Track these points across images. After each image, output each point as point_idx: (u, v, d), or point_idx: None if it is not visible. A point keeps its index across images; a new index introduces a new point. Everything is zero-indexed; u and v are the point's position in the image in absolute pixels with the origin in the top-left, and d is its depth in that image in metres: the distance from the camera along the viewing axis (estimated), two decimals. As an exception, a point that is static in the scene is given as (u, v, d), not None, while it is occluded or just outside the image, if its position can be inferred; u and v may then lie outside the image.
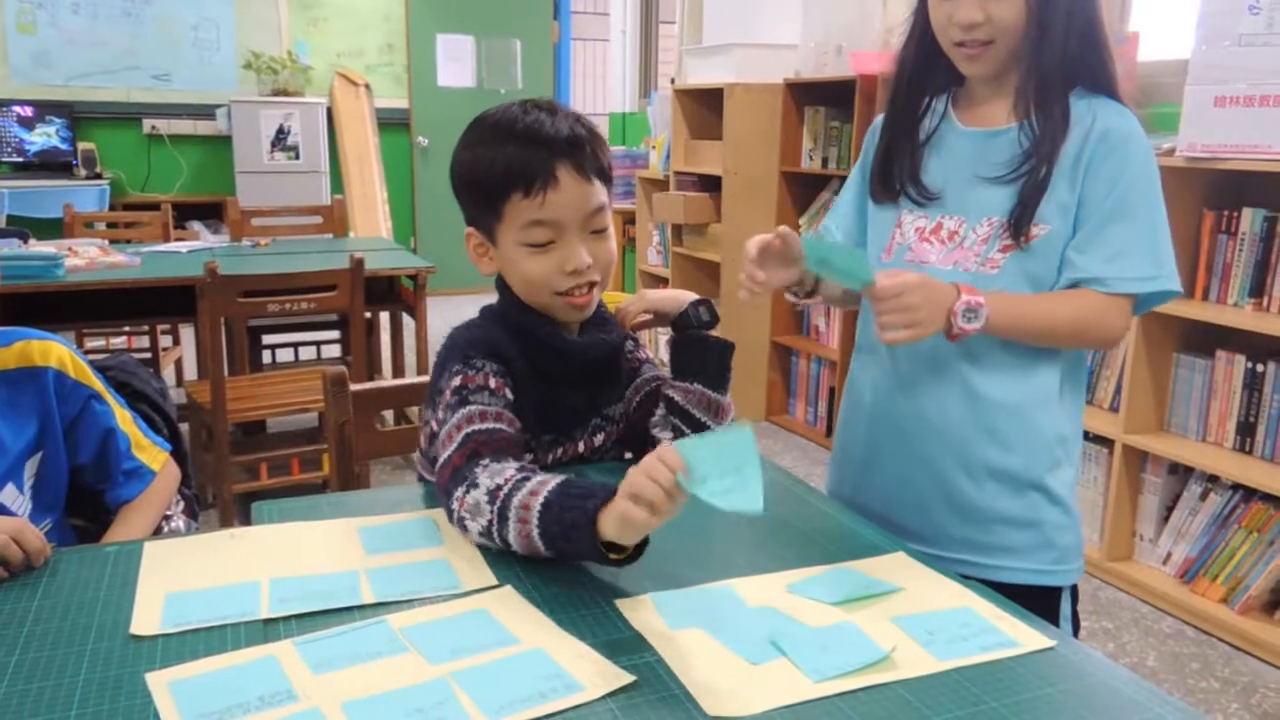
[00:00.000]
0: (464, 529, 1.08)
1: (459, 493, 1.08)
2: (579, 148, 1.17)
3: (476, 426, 1.14)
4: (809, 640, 0.91)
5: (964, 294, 1.18)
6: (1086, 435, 2.89)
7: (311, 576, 1.01)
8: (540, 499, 1.01)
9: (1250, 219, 2.55)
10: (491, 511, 1.04)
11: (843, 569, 1.06)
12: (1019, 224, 1.24)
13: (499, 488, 1.05)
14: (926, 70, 1.32)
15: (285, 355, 4.19)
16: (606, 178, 1.21)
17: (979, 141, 1.28)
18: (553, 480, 1.03)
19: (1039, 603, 1.27)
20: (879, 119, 1.40)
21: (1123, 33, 3.01)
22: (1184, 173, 2.57)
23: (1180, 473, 2.73)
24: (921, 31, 1.30)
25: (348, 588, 0.99)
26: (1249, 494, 2.53)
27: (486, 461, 1.10)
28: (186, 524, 1.56)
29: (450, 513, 1.10)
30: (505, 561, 1.06)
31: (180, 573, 1.02)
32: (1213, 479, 2.63)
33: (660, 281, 4.82)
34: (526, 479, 1.05)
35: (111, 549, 1.08)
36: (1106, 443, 2.83)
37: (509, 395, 1.19)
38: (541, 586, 1.01)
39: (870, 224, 1.40)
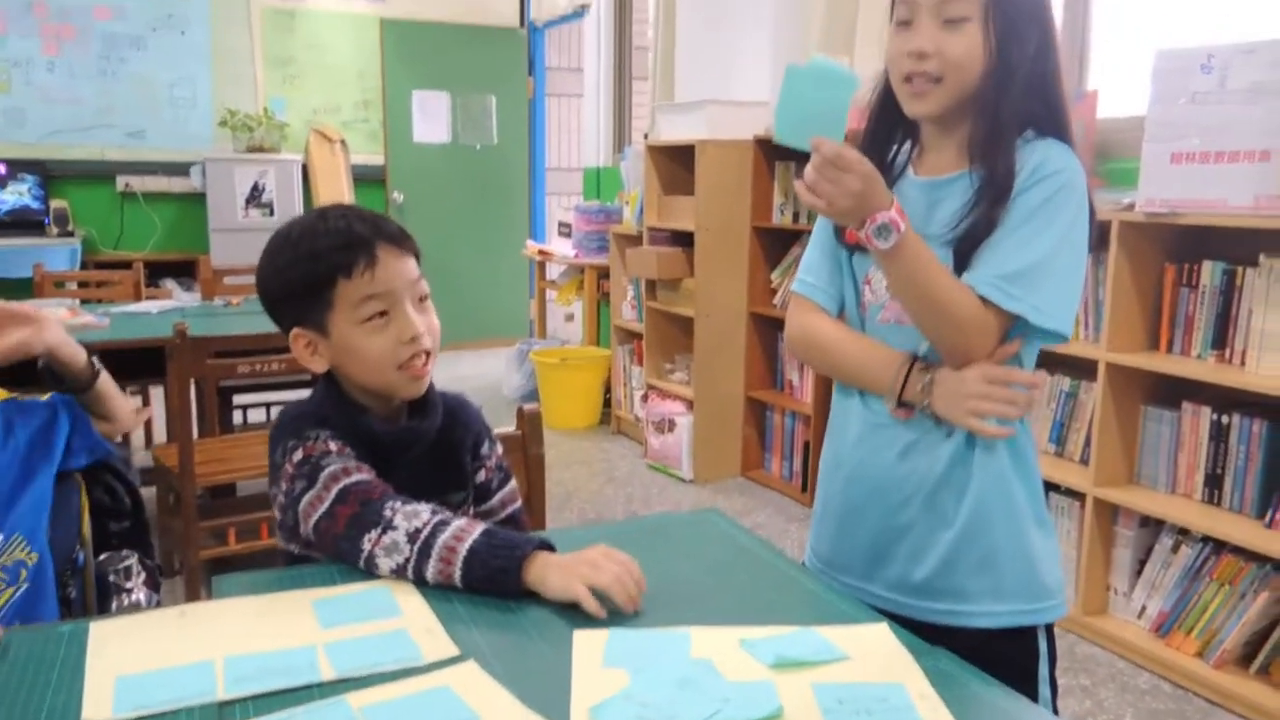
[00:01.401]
0: (373, 567, 1.16)
1: (372, 534, 1.15)
2: (387, 229, 1.29)
3: (346, 481, 1.21)
4: (712, 692, 0.92)
5: (895, 212, 1.14)
6: (1058, 489, 2.91)
7: (267, 653, 0.99)
8: (466, 545, 1.12)
9: (1210, 272, 2.59)
10: (411, 550, 1.14)
11: (804, 631, 1.06)
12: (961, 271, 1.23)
13: (418, 531, 1.14)
14: (892, 123, 1.32)
15: (257, 415, 4.16)
16: (417, 255, 1.33)
17: (929, 192, 1.28)
18: (475, 528, 1.14)
19: (1017, 651, 1.29)
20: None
21: (1081, 90, 3.07)
22: (1144, 227, 2.61)
23: (1151, 525, 2.75)
24: (887, 85, 1.30)
25: (306, 664, 0.97)
26: (1219, 546, 2.55)
27: (395, 504, 1.17)
28: (148, 596, 1.53)
29: (358, 554, 1.16)
30: (466, 629, 1.05)
31: (130, 654, 1.00)
32: (1183, 531, 2.64)
33: (635, 337, 4.84)
34: (445, 523, 1.15)
35: (65, 628, 1.06)
36: (1078, 496, 2.84)
37: (351, 454, 1.25)
38: (505, 658, 0.99)
39: (846, 272, 1.38)
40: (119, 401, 1.57)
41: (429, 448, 1.36)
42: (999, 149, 1.21)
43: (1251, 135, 2.38)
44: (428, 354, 1.30)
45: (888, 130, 1.33)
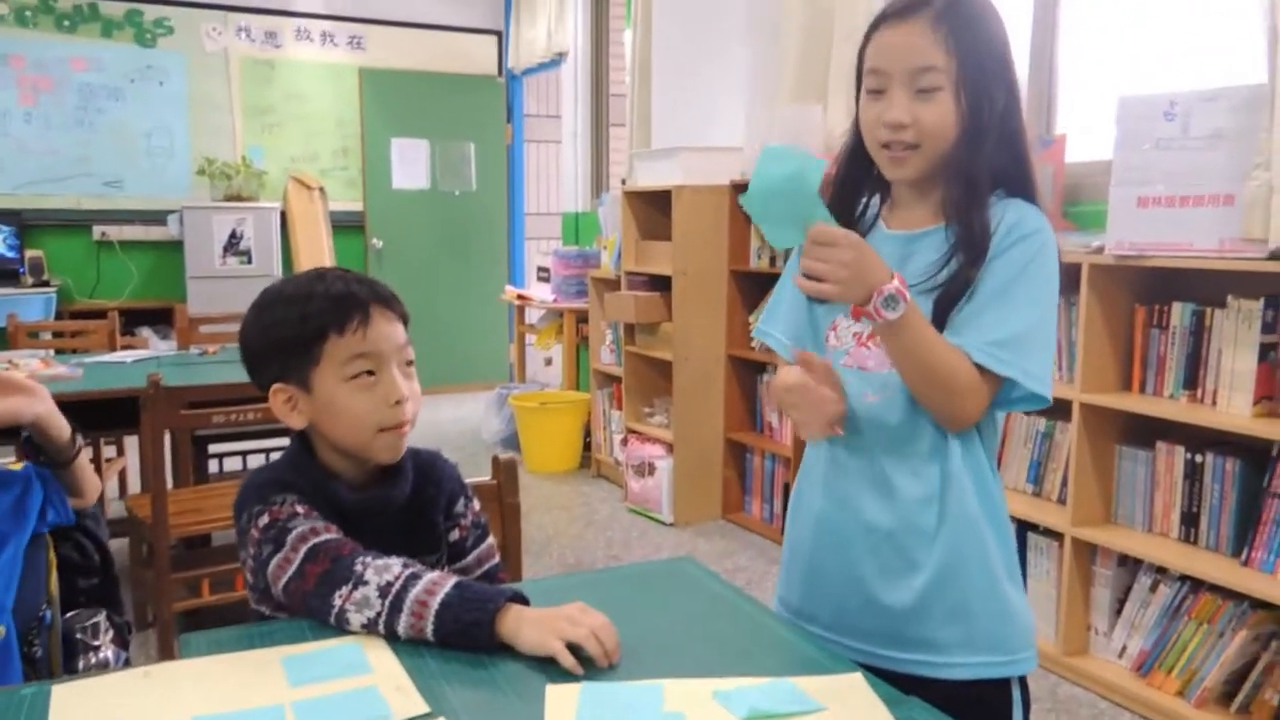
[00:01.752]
0: (344, 623, 1.15)
1: (343, 590, 1.15)
2: (382, 293, 1.31)
3: (315, 540, 1.20)
4: None
5: (897, 280, 1.14)
6: (1036, 529, 2.92)
7: (234, 713, 0.98)
8: (437, 599, 1.12)
9: (1180, 313, 2.62)
10: (382, 605, 1.13)
11: (779, 682, 1.05)
12: (939, 327, 1.23)
13: (389, 585, 1.14)
14: (861, 175, 1.34)
15: (234, 464, 4.12)
16: (406, 321, 1.35)
17: (903, 245, 1.29)
18: (447, 581, 1.14)
19: (990, 701, 1.28)
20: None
21: (1050, 135, 3.13)
22: (1114, 270, 2.65)
23: (1130, 564, 2.75)
24: (858, 137, 1.31)
25: (272, 725, 0.96)
26: (1197, 585, 2.55)
27: (366, 559, 1.17)
28: (116, 654, 1.50)
29: (328, 610, 1.15)
30: (437, 685, 1.04)
31: (93, 718, 0.98)
32: (1161, 570, 2.65)
33: (614, 381, 4.84)
34: (417, 576, 1.15)
35: (27, 691, 1.04)
36: (1056, 536, 2.85)
37: (318, 516, 1.25)
38: (477, 715, 0.99)
39: (811, 319, 1.38)
40: (92, 480, 1.56)
41: (398, 512, 1.35)
42: (974, 208, 1.23)
43: (1214, 180, 2.43)
44: (408, 418, 1.31)
45: (856, 184, 1.35)
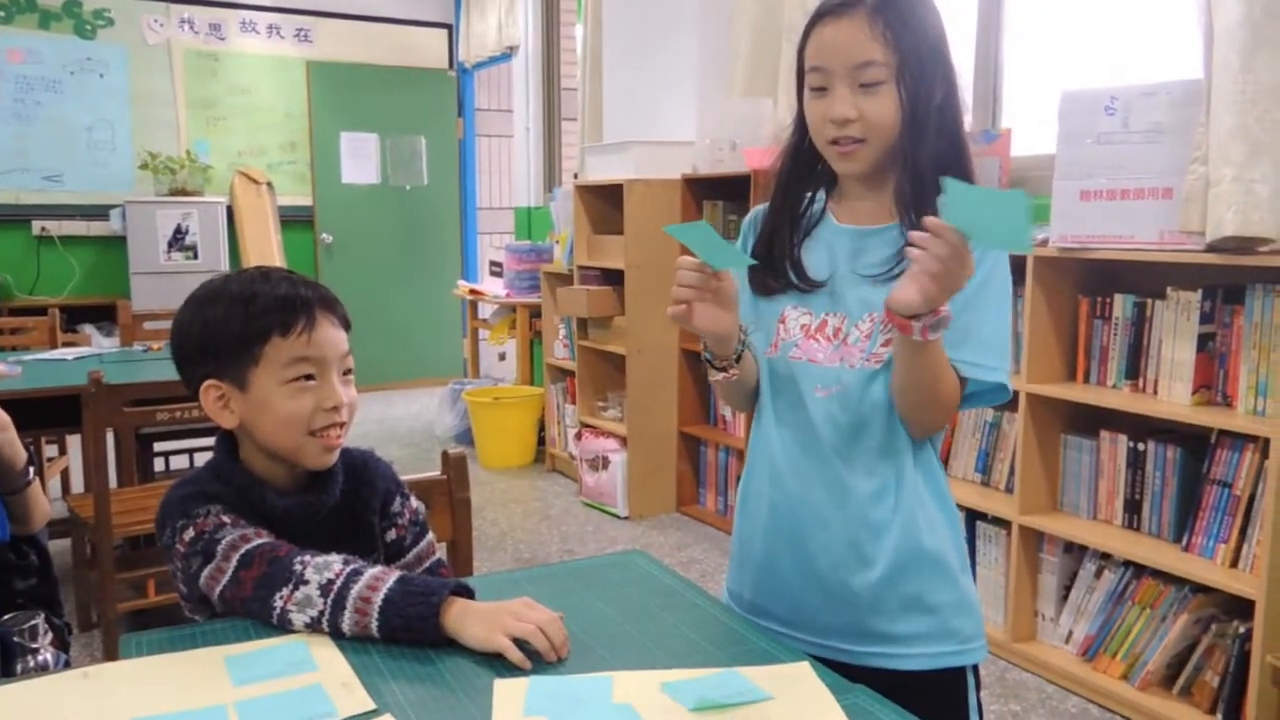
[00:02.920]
0: (287, 624, 1.14)
1: (284, 591, 1.14)
2: (327, 301, 1.29)
3: (247, 547, 1.19)
4: None
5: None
6: (985, 517, 2.96)
7: (175, 714, 0.96)
8: (381, 595, 1.12)
9: (1122, 305, 2.67)
10: (325, 603, 1.13)
11: (726, 673, 1.06)
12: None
13: (330, 582, 1.14)
14: (806, 169, 1.34)
15: (180, 462, 4.05)
16: (349, 328, 1.33)
17: (855, 239, 1.30)
18: (390, 576, 1.14)
19: (947, 687, 1.30)
20: (754, 212, 1.41)
21: (995, 130, 3.17)
22: (1057, 262, 2.69)
23: (1075, 551, 2.80)
24: (801, 133, 1.32)
25: (215, 725, 0.94)
26: (1140, 570, 2.61)
27: (304, 558, 1.16)
28: (55, 656, 1.47)
29: (270, 613, 1.14)
30: (384, 681, 1.03)
31: (30, 720, 0.96)
32: (1105, 556, 2.70)
33: (568, 375, 4.83)
34: (359, 573, 1.14)
35: (-41, 694, 1.01)
36: (1004, 524, 2.89)
37: (245, 524, 1.23)
38: (423, 711, 0.98)
39: (756, 315, 1.37)
40: (41, 508, 1.52)
41: (330, 516, 1.32)
42: (925, 201, 1.21)
43: (1154, 173, 2.47)
44: (342, 425, 1.29)
45: (802, 180, 1.35)
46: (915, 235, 1.08)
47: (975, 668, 1.34)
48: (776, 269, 1.33)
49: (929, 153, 1.24)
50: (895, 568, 1.28)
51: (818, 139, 1.28)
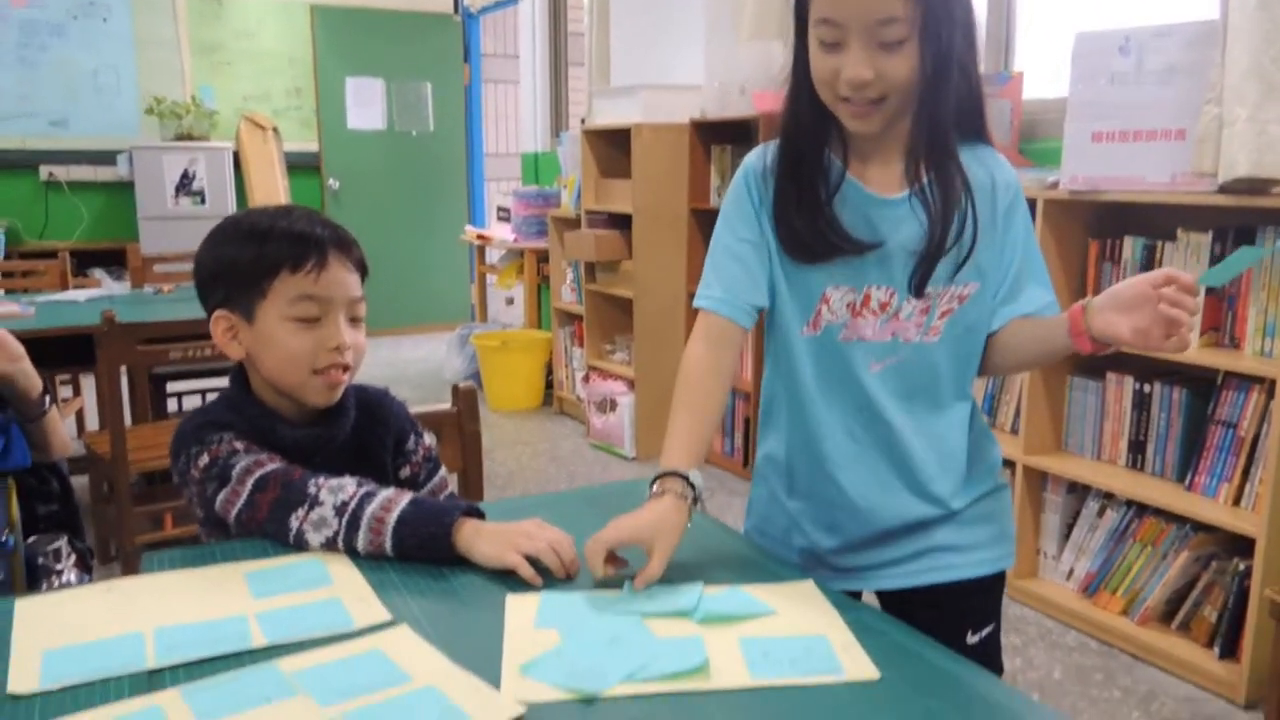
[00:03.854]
0: (303, 543, 1.18)
1: (300, 512, 1.17)
2: (344, 243, 1.30)
3: (261, 471, 1.21)
4: (641, 649, 0.95)
5: None
6: (989, 458, 2.98)
7: (198, 624, 0.99)
8: (394, 514, 1.15)
9: (1131, 247, 2.67)
10: (339, 523, 1.16)
11: (730, 590, 1.09)
12: (923, 284, 1.21)
13: (345, 504, 1.17)
14: (819, 120, 1.21)
15: (193, 401, 4.09)
16: (365, 273, 1.33)
17: (892, 208, 1.21)
18: (403, 497, 1.17)
19: (991, 592, 1.35)
20: (752, 165, 1.27)
21: (1008, 72, 3.14)
22: (1068, 205, 2.68)
23: (1079, 491, 2.83)
24: (802, 83, 1.20)
25: (237, 633, 0.97)
26: (1142, 509, 2.63)
27: (318, 480, 1.19)
28: (79, 577, 1.51)
29: (286, 533, 1.18)
30: (400, 596, 1.06)
31: (57, 628, 0.99)
32: (1108, 496, 2.72)
33: (575, 319, 4.84)
34: (372, 494, 1.17)
35: (-11, 605, 1.05)
36: (1009, 464, 2.92)
37: (258, 450, 1.25)
38: (438, 622, 1.01)
39: (787, 288, 1.26)
40: (60, 437, 1.54)
41: (342, 450, 1.34)
42: (947, 161, 1.19)
43: (1167, 115, 2.45)
44: (346, 367, 1.29)
45: (816, 131, 1.22)
46: (1173, 295, 1.06)
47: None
48: (811, 232, 1.21)
49: (948, 106, 1.17)
50: (972, 508, 1.31)
51: (825, 94, 1.17)
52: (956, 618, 1.28)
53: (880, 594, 1.32)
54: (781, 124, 1.25)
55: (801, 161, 1.22)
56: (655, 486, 1.17)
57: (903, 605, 1.25)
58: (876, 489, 1.28)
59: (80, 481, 3.00)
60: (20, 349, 1.42)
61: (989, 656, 1.34)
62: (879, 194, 1.21)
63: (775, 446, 1.36)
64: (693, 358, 1.26)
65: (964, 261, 1.21)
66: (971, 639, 1.31)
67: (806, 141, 1.22)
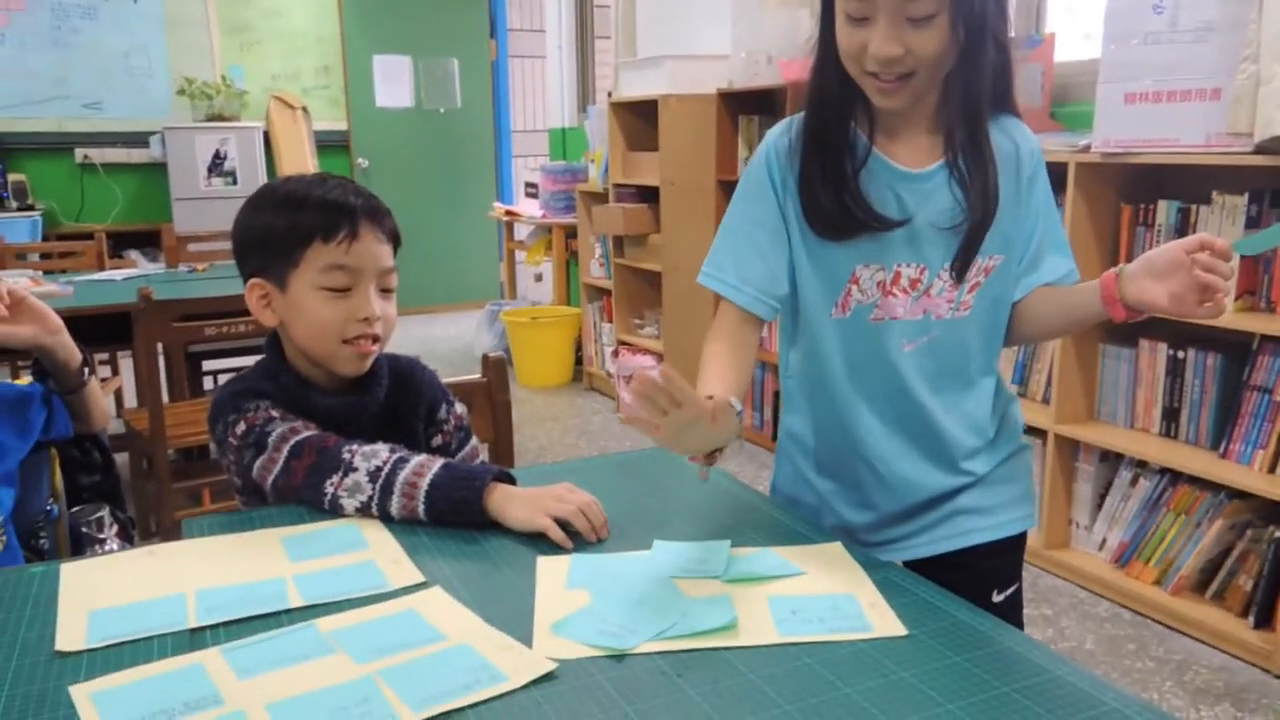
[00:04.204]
0: (338, 509, 1.20)
1: (334, 478, 1.19)
2: (377, 213, 1.30)
3: (296, 439, 1.24)
4: (671, 607, 0.96)
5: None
6: (1020, 427, 2.96)
7: (237, 585, 1.01)
8: (427, 480, 1.17)
9: (1165, 211, 2.63)
10: (373, 489, 1.18)
11: (760, 551, 1.10)
12: (965, 265, 1.21)
13: (379, 469, 1.19)
14: (846, 91, 1.18)
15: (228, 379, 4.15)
16: (398, 244, 1.34)
17: (919, 183, 1.20)
18: (435, 462, 1.19)
19: (1016, 552, 1.37)
20: (775, 140, 1.25)
21: (1039, 35, 3.10)
22: (1100, 168, 2.65)
23: (1111, 460, 2.81)
24: (827, 54, 1.18)
25: (275, 594, 1.00)
26: (1176, 477, 2.61)
27: (352, 447, 1.21)
28: (121, 546, 1.55)
29: (321, 498, 1.20)
30: (433, 559, 1.08)
31: (102, 590, 1.02)
32: (1141, 464, 2.70)
33: (604, 294, 4.85)
34: (404, 460, 1.20)
35: (37, 569, 1.08)
36: (1040, 434, 2.90)
37: (293, 418, 1.27)
38: (471, 584, 1.02)
39: (812, 268, 1.24)
40: (100, 408, 1.56)
41: (375, 418, 1.35)
42: (979, 137, 1.18)
43: (1202, 74, 2.41)
44: (376, 338, 1.30)
45: (843, 102, 1.20)
46: (1208, 260, 1.05)
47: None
48: (837, 208, 1.19)
49: (982, 79, 1.15)
50: (996, 475, 1.32)
51: (852, 68, 1.14)
52: (981, 578, 1.30)
53: (905, 562, 1.33)
54: (807, 96, 1.22)
55: (827, 135, 1.20)
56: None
57: (928, 569, 1.26)
58: (908, 467, 1.28)
59: (120, 458, 3.06)
60: (59, 322, 1.45)
61: (1014, 614, 1.36)
62: (907, 168, 1.20)
63: (800, 426, 1.36)
64: (708, 356, 1.23)
65: (988, 233, 1.20)
66: (997, 598, 1.33)
67: (832, 114, 1.20)
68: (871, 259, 1.21)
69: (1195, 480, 2.55)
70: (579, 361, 5.19)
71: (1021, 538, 1.37)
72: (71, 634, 0.93)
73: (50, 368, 1.45)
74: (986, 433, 1.31)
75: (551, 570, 1.06)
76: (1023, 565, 1.40)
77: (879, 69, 1.11)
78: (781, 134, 1.25)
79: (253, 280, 1.31)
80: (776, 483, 1.43)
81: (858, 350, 1.25)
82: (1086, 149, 2.65)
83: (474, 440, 1.52)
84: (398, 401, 1.40)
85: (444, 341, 6.26)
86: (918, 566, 1.31)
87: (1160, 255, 1.09)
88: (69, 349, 1.47)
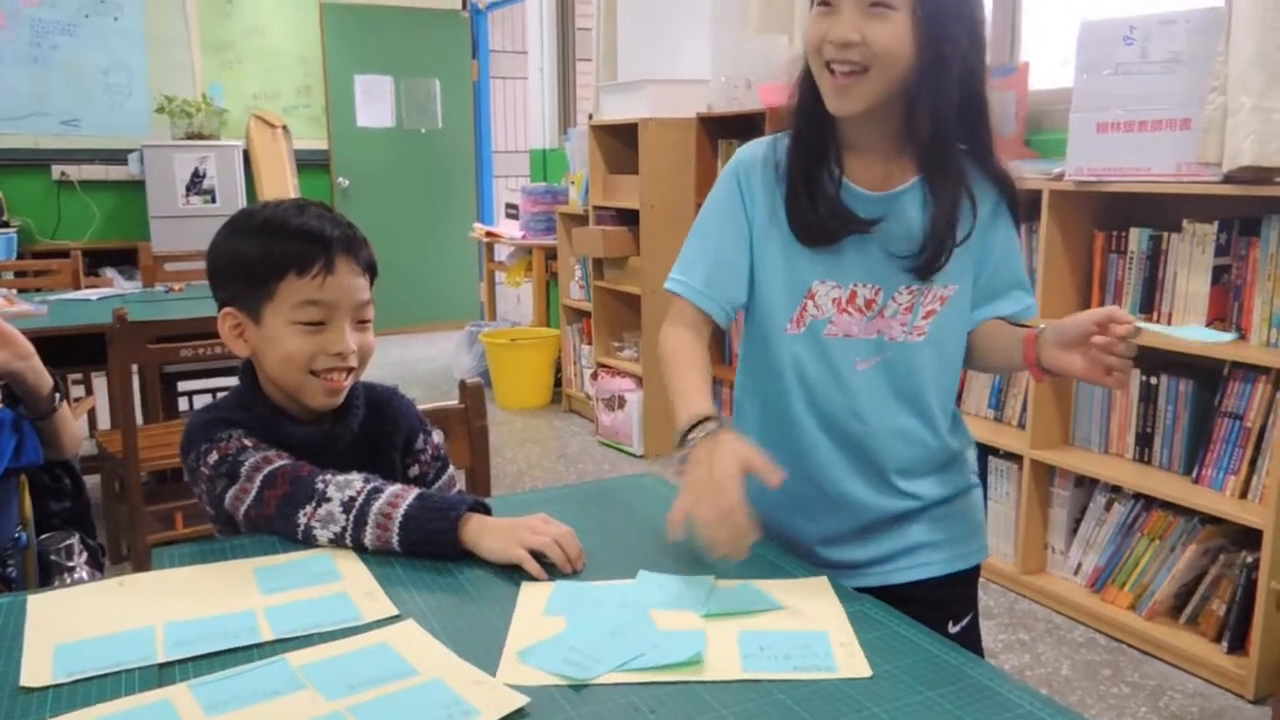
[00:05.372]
0: (311, 539, 1.18)
1: (307, 508, 1.18)
2: (353, 244, 1.29)
3: (270, 468, 1.22)
4: (642, 639, 0.96)
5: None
6: (997, 452, 2.99)
7: (207, 619, 1.00)
8: (401, 510, 1.16)
9: (1137, 238, 2.67)
10: (347, 519, 1.17)
11: (742, 584, 1.10)
12: (920, 291, 1.24)
13: (353, 500, 1.18)
14: (820, 120, 1.21)
15: (204, 401, 4.12)
16: (374, 275, 1.33)
17: (875, 206, 1.22)
18: (409, 493, 1.18)
19: (969, 584, 1.38)
20: (747, 156, 1.29)
21: (1013, 63, 3.14)
22: (1073, 195, 2.68)
23: (1086, 485, 2.83)
24: (810, 78, 1.21)
25: (246, 627, 0.99)
26: (1149, 502, 2.63)
27: (325, 477, 1.20)
28: (90, 574, 1.53)
29: (294, 529, 1.19)
30: (407, 591, 1.07)
31: (69, 623, 1.00)
32: (1116, 489, 2.72)
33: (583, 316, 4.85)
34: (379, 490, 1.18)
35: (3, 601, 1.06)
36: (1015, 458, 2.92)
37: (266, 447, 1.26)
38: (444, 616, 1.02)
39: (772, 281, 1.27)
40: (71, 433, 1.54)
41: (350, 449, 1.34)
42: (950, 157, 1.20)
43: (1172, 104, 2.45)
44: (350, 370, 1.29)
45: (818, 132, 1.23)
46: (1104, 342, 1.09)
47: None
48: (827, 209, 1.21)
49: (951, 101, 1.16)
50: (942, 506, 1.34)
51: (814, 61, 1.17)
52: (936, 610, 1.28)
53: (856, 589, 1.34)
54: (794, 101, 1.25)
55: (814, 133, 1.23)
56: (697, 432, 1.14)
57: (884, 600, 1.27)
58: (852, 486, 1.30)
59: (92, 480, 3.03)
60: (29, 347, 1.44)
61: (972, 645, 1.38)
62: (870, 191, 1.22)
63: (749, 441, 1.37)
64: (675, 337, 1.29)
65: (947, 261, 1.22)
66: (953, 629, 1.34)
67: (815, 112, 1.21)
68: (830, 275, 1.24)
69: (1169, 505, 2.57)
70: (558, 383, 5.18)
71: (974, 571, 1.39)
72: (37, 669, 0.92)
73: (20, 393, 1.44)
74: (937, 461, 1.32)
75: (533, 596, 1.06)
76: (977, 597, 1.42)
77: (835, 55, 1.14)
78: (756, 148, 1.29)
79: (226, 310, 1.30)
80: None
81: (810, 367, 1.27)
82: (1060, 177, 2.69)
83: (451, 469, 1.52)
84: (374, 431, 1.39)
85: (423, 362, 6.24)
86: (873, 595, 1.32)
87: (1072, 326, 1.13)
88: (39, 374, 1.45)
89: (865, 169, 1.23)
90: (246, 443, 1.26)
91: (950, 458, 1.34)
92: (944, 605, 1.33)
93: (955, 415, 1.35)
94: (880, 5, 1.12)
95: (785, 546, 1.29)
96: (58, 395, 1.47)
